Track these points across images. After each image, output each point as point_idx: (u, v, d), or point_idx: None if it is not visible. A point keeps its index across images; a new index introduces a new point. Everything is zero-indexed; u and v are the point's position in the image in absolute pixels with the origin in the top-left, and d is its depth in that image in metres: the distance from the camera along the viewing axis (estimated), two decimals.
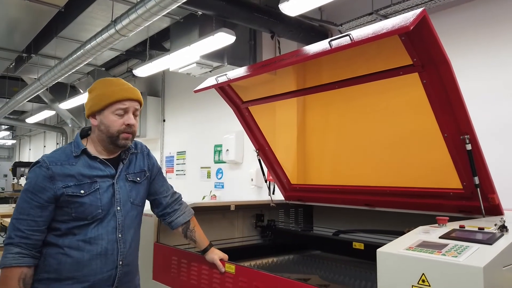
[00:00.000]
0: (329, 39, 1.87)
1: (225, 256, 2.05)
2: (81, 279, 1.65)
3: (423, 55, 1.86)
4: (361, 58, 2.24)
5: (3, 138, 16.42)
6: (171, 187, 2.14)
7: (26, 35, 4.98)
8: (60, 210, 1.66)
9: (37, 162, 1.67)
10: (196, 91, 2.72)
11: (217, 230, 3.04)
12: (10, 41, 5.15)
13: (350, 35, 1.78)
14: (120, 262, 1.75)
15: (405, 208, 2.49)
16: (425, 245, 1.32)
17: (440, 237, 1.39)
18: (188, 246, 2.71)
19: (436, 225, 1.59)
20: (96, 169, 1.73)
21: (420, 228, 1.56)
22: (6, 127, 14.84)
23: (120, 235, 1.75)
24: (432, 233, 1.46)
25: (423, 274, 1.22)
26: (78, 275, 1.65)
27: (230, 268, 1.95)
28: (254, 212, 3.29)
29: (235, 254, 2.86)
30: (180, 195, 2.17)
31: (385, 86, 2.29)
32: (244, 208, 3.20)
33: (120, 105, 1.69)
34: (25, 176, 8.13)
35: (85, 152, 1.73)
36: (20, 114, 12.43)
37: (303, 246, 3.11)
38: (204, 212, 2.95)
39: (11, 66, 6.46)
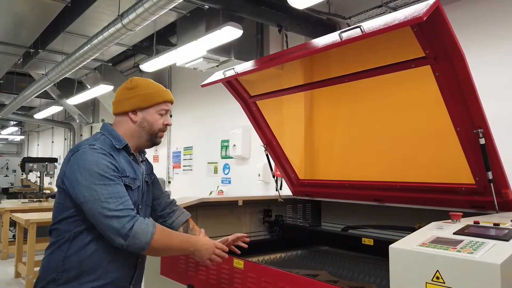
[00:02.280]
0: (339, 31, 1.84)
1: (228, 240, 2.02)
2: (102, 276, 1.60)
3: (436, 47, 1.82)
4: (372, 50, 2.20)
5: (11, 134, 16.56)
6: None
7: (33, 30, 4.98)
8: None
9: (88, 148, 1.56)
10: (203, 86, 2.69)
11: (224, 226, 3.02)
12: (17, 37, 5.15)
13: (361, 27, 1.74)
14: (140, 260, 1.75)
15: (415, 203, 2.46)
16: (439, 241, 1.29)
17: (454, 233, 1.36)
18: None
19: (450, 220, 1.55)
20: (134, 167, 1.72)
21: (433, 223, 1.52)
22: (14, 122, 14.96)
23: None
24: (445, 229, 1.43)
25: (437, 271, 1.19)
26: (100, 271, 1.60)
27: (239, 263, 1.93)
28: (261, 207, 3.26)
29: (242, 249, 2.85)
30: (174, 199, 2.20)
31: (396, 79, 2.25)
32: (251, 204, 3.18)
33: (165, 106, 1.75)
34: (34, 172, 8.17)
35: (125, 147, 1.70)
36: (28, 110, 12.51)
37: (311, 242, 3.08)
38: (211, 207, 2.94)
39: (19, 61, 6.48)
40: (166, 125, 1.77)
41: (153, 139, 1.76)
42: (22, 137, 17.47)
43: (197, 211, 2.86)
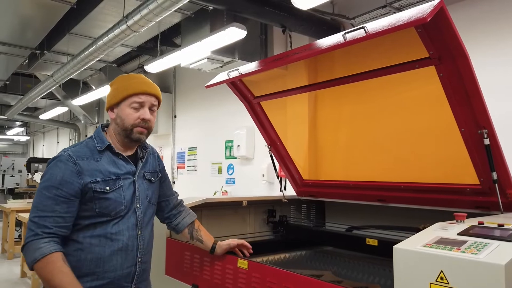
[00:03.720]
0: (343, 32, 1.84)
1: (235, 243, 2.08)
2: (101, 276, 1.62)
3: (440, 47, 1.82)
4: (376, 51, 2.20)
5: (17, 135, 16.67)
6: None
7: (38, 31, 5.01)
8: (84, 206, 1.62)
9: (58, 156, 1.61)
10: (207, 87, 2.70)
11: (228, 226, 3.03)
12: (23, 38, 5.19)
13: (365, 28, 1.75)
14: (139, 259, 1.75)
15: (419, 204, 2.46)
16: (443, 242, 1.29)
17: (458, 234, 1.36)
18: None
19: (454, 221, 1.55)
20: (120, 166, 1.73)
21: (438, 224, 1.53)
22: (20, 123, 15.05)
23: (139, 232, 1.75)
24: (450, 229, 1.43)
25: (441, 271, 1.19)
26: (99, 271, 1.61)
27: (243, 263, 1.94)
28: (266, 207, 3.27)
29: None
30: (182, 199, 2.22)
31: (400, 79, 2.25)
32: (256, 204, 3.19)
33: (136, 99, 1.67)
34: (39, 172, 8.22)
35: (109, 147, 1.72)
36: (34, 111, 12.58)
37: (315, 242, 3.08)
38: (215, 207, 2.95)
39: (24, 63, 6.52)
40: (142, 120, 1.69)
41: (129, 136, 1.70)
42: (28, 137, 17.58)
43: (201, 211, 2.88)
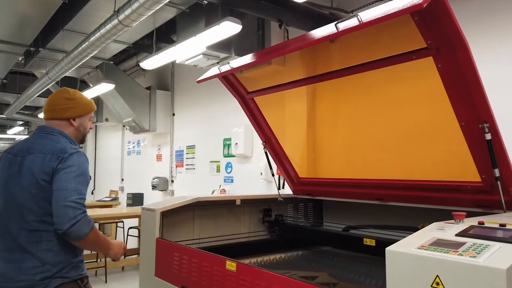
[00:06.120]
0: (335, 22, 1.75)
1: None
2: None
3: (438, 37, 1.73)
4: (372, 43, 2.11)
5: (18, 134, 16.64)
6: None
7: (32, 28, 4.94)
8: None
9: (78, 150, 1.92)
10: (199, 82, 2.62)
11: (222, 226, 2.94)
12: (17, 35, 5.12)
13: (358, 17, 1.65)
14: None
15: (418, 202, 2.37)
16: (439, 244, 1.19)
17: (456, 235, 1.26)
18: (190, 242, 2.63)
19: (452, 221, 1.46)
20: None
21: (434, 224, 1.43)
22: (21, 122, 15.02)
23: None
24: (447, 230, 1.33)
25: (437, 276, 1.09)
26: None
27: (231, 266, 1.85)
28: (261, 206, 3.18)
29: (241, 249, 2.78)
30: None
31: (398, 74, 2.16)
32: (250, 203, 3.10)
33: (92, 114, 2.15)
34: None
35: None
36: (34, 110, 12.53)
37: (312, 242, 3.00)
38: (208, 206, 2.86)
39: (21, 61, 6.45)
40: (90, 129, 2.18)
41: (82, 141, 2.14)
42: (27, 136, 17.54)
43: (194, 210, 2.79)
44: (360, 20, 1.64)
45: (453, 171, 2.13)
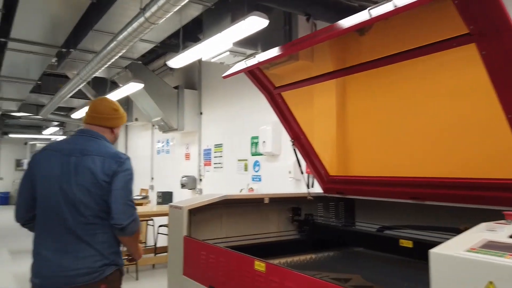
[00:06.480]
0: (368, 8, 1.64)
1: None
2: None
3: (481, 21, 1.59)
4: (406, 31, 1.98)
5: (54, 134, 17.20)
6: None
7: (63, 29, 5.02)
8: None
9: (128, 157, 2.10)
10: (225, 77, 2.56)
11: (250, 224, 2.88)
12: (49, 36, 5.23)
13: (393, 1, 1.54)
14: None
15: (459, 202, 2.21)
16: (492, 246, 1.07)
17: (510, 236, 1.14)
18: (218, 241, 2.58)
19: (503, 221, 1.32)
20: None
21: (483, 224, 1.30)
22: (56, 123, 15.51)
23: None
24: (499, 231, 1.20)
25: (490, 282, 0.98)
26: None
27: (261, 266, 1.77)
28: (290, 205, 3.10)
29: (269, 249, 2.70)
30: None
31: (435, 63, 2.03)
32: (279, 201, 3.02)
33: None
34: None
35: None
36: (69, 111, 12.89)
37: (344, 243, 2.88)
38: (236, 205, 2.80)
39: (54, 62, 6.61)
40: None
41: None
42: (64, 137, 18.14)
43: (221, 209, 2.74)
44: (395, 5, 1.53)
45: (498, 167, 1.98)
